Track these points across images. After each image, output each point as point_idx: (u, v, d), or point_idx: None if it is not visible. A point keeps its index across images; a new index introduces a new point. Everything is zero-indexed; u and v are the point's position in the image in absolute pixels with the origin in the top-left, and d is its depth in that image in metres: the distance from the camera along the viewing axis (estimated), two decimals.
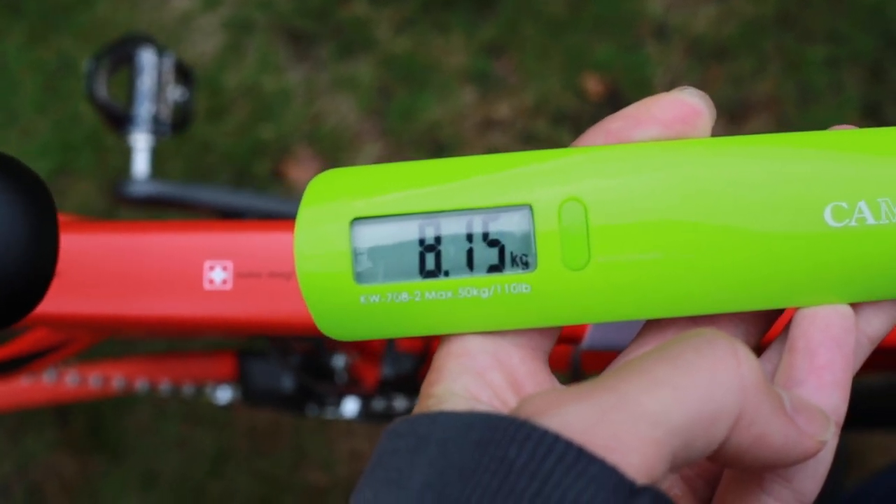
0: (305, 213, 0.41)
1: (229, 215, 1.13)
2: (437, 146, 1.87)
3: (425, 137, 1.87)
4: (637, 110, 0.41)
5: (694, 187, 0.40)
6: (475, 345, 0.41)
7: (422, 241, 0.41)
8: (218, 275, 0.69)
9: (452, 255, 0.41)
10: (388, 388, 1.11)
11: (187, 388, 1.19)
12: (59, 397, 1.17)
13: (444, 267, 0.41)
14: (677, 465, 0.34)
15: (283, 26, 1.93)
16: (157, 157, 1.13)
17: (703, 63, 1.91)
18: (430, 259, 0.41)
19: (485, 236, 0.41)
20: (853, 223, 0.40)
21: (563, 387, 0.36)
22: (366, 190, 0.41)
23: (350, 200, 0.41)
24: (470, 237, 0.41)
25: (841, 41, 1.92)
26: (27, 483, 1.73)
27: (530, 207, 0.41)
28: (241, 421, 1.76)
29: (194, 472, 1.75)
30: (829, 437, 0.37)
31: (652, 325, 0.44)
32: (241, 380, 1.18)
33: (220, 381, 1.21)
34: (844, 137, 0.41)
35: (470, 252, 0.41)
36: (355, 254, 0.41)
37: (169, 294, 0.69)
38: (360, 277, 0.41)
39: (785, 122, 1.87)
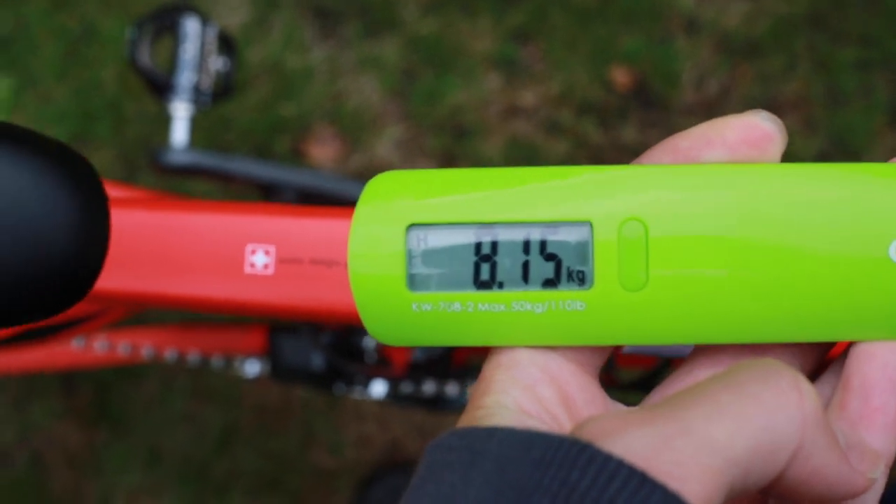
0: (362, 212, 0.41)
1: (267, 189, 1.12)
2: (460, 131, 1.85)
3: (448, 122, 1.85)
4: (708, 130, 0.40)
5: (758, 213, 0.40)
6: (525, 357, 0.41)
7: (477, 252, 0.41)
8: (260, 259, 0.68)
9: (508, 267, 0.41)
10: (418, 371, 1.10)
11: (216, 360, 1.19)
12: (88, 363, 1.18)
13: (499, 279, 0.41)
14: (734, 495, 0.34)
15: (310, 3, 1.91)
16: None
17: (733, 60, 1.89)
18: (485, 270, 0.41)
19: (542, 250, 0.41)
20: None
21: (624, 408, 0.37)
22: (423, 195, 0.41)
23: (407, 205, 0.41)
24: (527, 250, 0.41)
25: (873, 44, 1.90)
26: (30, 451, 1.72)
27: (590, 224, 0.40)
28: (249, 399, 1.75)
29: (200, 448, 1.74)
30: (878, 475, 0.37)
31: (704, 349, 0.43)
32: (270, 354, 1.18)
33: (249, 355, 1.22)
34: None
35: (526, 265, 0.41)
36: (410, 260, 0.41)
37: (208, 276, 0.68)
38: (413, 284, 0.41)
39: (812, 124, 1.85)
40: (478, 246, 0.41)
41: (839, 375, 0.41)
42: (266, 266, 0.68)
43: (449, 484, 0.35)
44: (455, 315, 0.41)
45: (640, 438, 0.33)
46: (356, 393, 1.17)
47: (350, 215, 0.63)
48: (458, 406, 1.20)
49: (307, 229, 0.68)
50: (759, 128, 0.39)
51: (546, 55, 1.89)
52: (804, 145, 1.84)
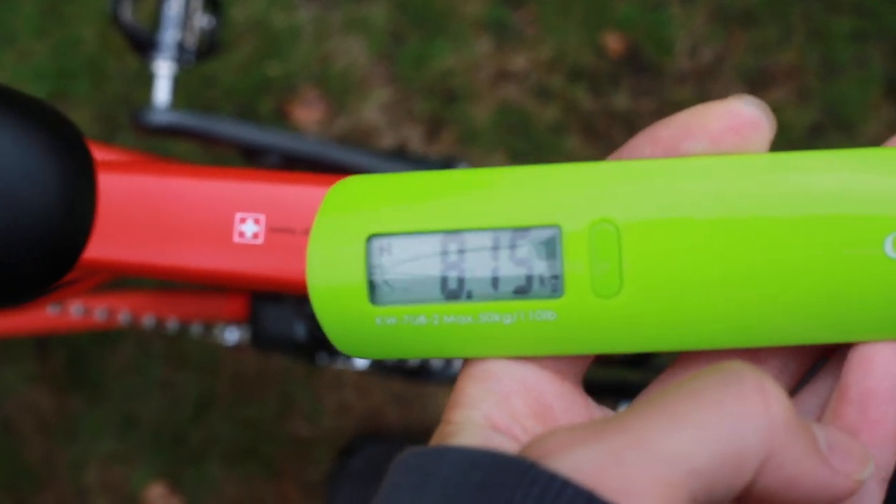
0: (321, 224, 0.40)
1: (251, 152, 1.10)
2: (449, 95, 1.82)
3: (437, 85, 1.82)
4: (689, 119, 0.38)
5: (741, 209, 0.37)
6: (499, 368, 0.39)
7: (443, 261, 0.39)
8: (249, 228, 0.65)
9: (475, 276, 0.39)
10: None
11: (195, 327, 1.17)
12: (63, 328, 1.16)
13: (467, 288, 0.39)
14: None
15: None
16: None
17: (727, 28, 1.86)
18: (452, 280, 0.39)
19: (510, 257, 0.38)
20: None
21: (582, 423, 0.35)
22: (386, 202, 0.39)
23: (368, 214, 0.39)
24: (495, 258, 0.38)
25: (869, 15, 1.87)
26: (1, 417, 1.69)
27: (559, 228, 0.38)
28: (226, 366, 1.73)
29: (176, 416, 1.72)
30: (867, 476, 0.35)
31: (692, 353, 0.41)
32: (252, 322, 1.15)
33: (229, 322, 1.20)
34: None
35: (494, 273, 0.39)
36: (371, 272, 0.39)
37: (195, 245, 0.65)
38: (375, 298, 0.39)
39: (806, 94, 1.83)
40: (444, 255, 0.38)
41: (836, 376, 0.39)
42: (256, 235, 0.65)
43: None
44: (421, 328, 0.39)
45: (588, 454, 0.32)
46: (339, 363, 1.15)
47: None
48: (443, 378, 1.18)
49: (300, 198, 0.65)
50: (742, 115, 0.37)
51: (538, 19, 1.86)
52: (797, 116, 1.81)
